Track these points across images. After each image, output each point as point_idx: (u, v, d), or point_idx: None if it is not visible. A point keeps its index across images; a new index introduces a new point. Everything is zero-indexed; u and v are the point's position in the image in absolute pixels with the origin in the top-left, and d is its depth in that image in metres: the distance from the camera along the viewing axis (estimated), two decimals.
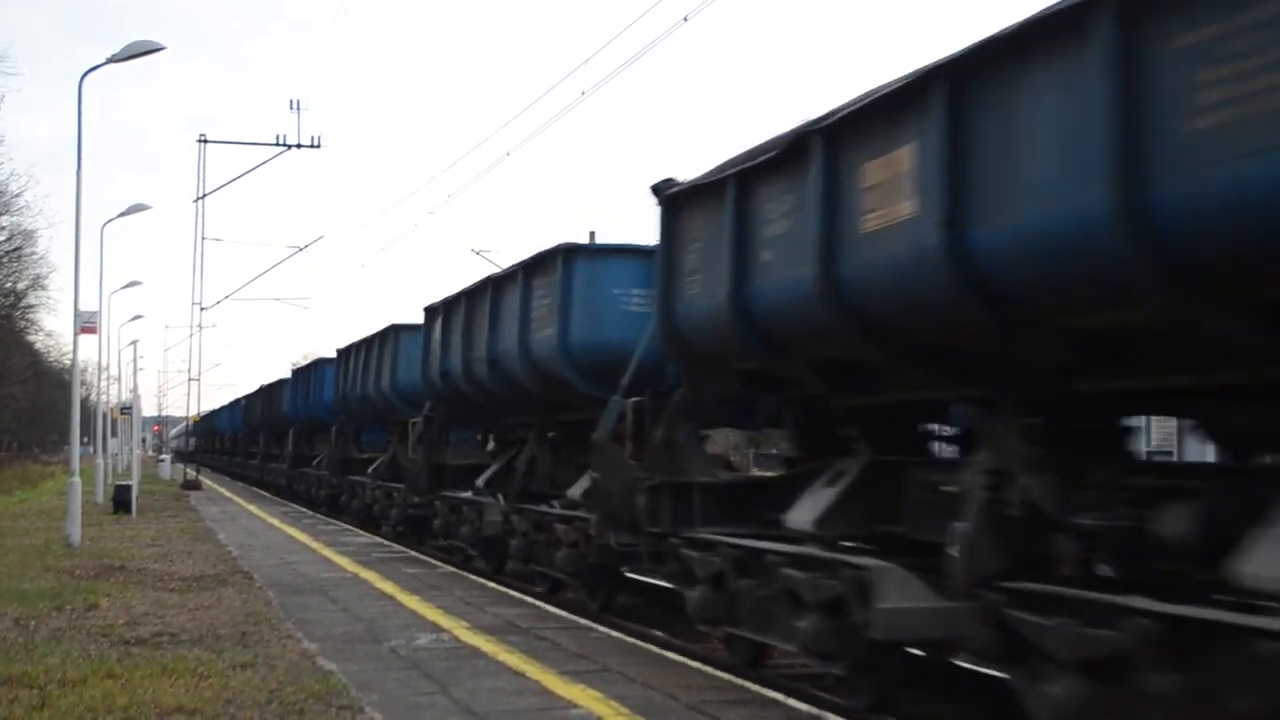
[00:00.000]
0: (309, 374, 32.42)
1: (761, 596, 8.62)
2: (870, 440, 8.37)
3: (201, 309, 45.20)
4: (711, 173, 8.81)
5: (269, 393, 41.12)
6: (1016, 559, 6.49)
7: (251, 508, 31.77)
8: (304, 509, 30.83)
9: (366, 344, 24.05)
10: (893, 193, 6.63)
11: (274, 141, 38.72)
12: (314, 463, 31.96)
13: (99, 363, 53.41)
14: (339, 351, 27.11)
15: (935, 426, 8.44)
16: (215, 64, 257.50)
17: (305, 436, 33.90)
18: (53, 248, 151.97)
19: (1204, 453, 7.31)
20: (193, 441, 77.37)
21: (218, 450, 70.32)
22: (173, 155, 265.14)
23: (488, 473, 16.39)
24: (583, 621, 11.40)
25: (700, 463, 10.16)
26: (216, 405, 75.55)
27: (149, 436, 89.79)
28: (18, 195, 42.15)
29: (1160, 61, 4.99)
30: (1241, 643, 4.97)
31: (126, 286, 45.27)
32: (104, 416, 47.40)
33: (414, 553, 18.64)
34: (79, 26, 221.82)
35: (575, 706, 7.60)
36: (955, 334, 6.54)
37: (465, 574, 15.55)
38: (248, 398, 49.29)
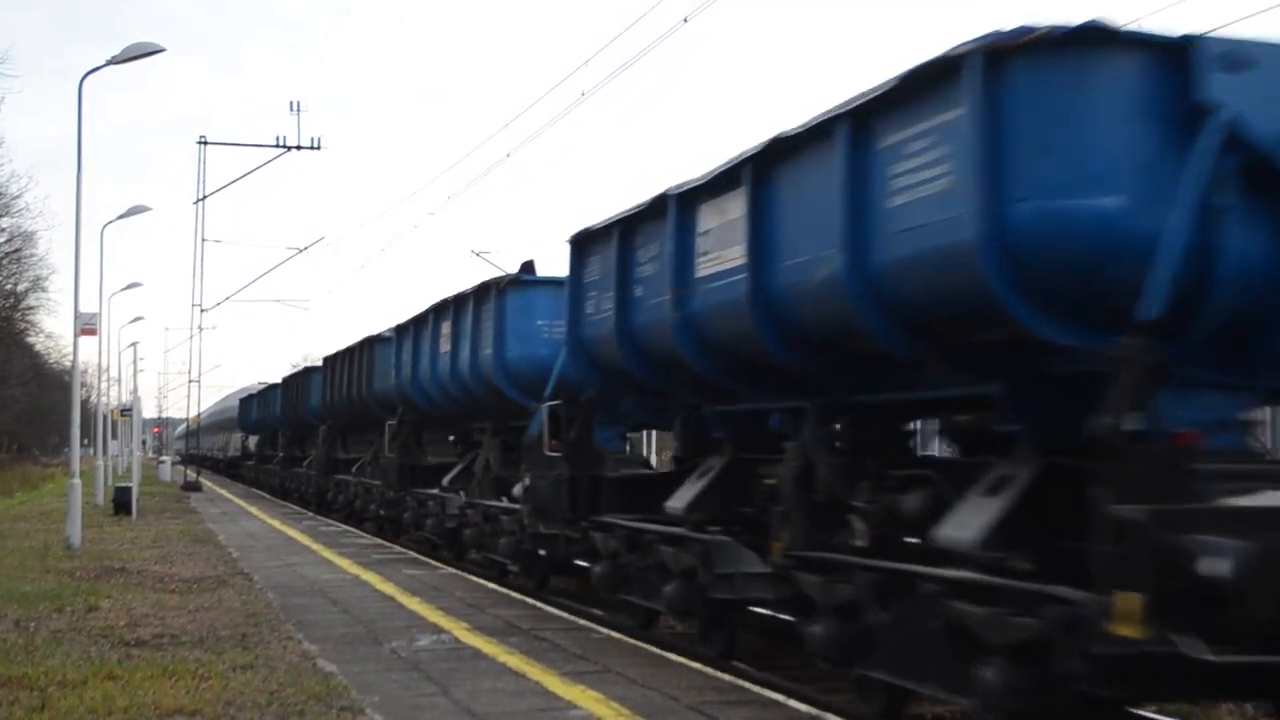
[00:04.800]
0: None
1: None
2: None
3: (202, 311, 45.21)
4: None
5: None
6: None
7: (251, 509, 31.77)
8: (304, 510, 30.84)
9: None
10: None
11: (274, 143, 38.71)
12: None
13: (99, 364, 53.38)
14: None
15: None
16: (208, 66, 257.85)
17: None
18: (52, 249, 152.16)
19: None
20: (239, 442, 54.39)
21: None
22: (168, 158, 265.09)
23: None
24: (582, 623, 11.41)
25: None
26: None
27: (149, 438, 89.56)
28: (18, 197, 42.07)
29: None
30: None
31: (126, 288, 45.39)
32: (104, 418, 47.40)
33: (414, 554, 18.66)
34: (68, 28, 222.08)
35: (575, 707, 7.60)
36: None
37: (466, 575, 15.56)
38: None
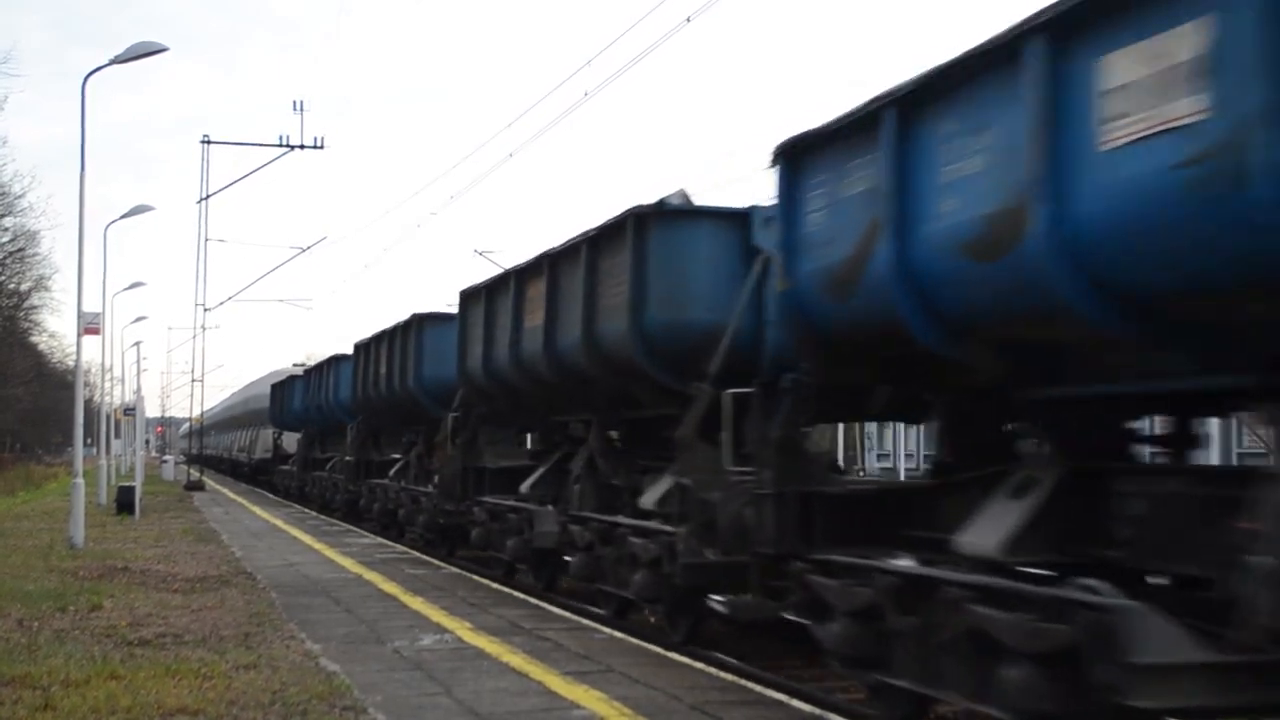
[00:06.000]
0: None
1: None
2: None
3: (205, 310, 45.22)
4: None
5: None
6: None
7: (255, 509, 31.78)
8: (309, 510, 30.83)
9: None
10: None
11: (277, 142, 38.67)
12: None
13: (102, 364, 53.46)
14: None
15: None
16: (208, 65, 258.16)
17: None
18: (56, 249, 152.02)
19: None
20: (269, 440, 41.36)
21: None
22: (168, 158, 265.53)
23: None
24: (585, 622, 11.40)
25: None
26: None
27: (152, 438, 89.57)
28: (21, 196, 42.09)
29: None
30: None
31: (130, 288, 45.57)
32: (107, 418, 47.42)
33: (421, 554, 18.62)
34: (67, 28, 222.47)
35: (578, 707, 7.59)
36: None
37: (469, 575, 15.54)
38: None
